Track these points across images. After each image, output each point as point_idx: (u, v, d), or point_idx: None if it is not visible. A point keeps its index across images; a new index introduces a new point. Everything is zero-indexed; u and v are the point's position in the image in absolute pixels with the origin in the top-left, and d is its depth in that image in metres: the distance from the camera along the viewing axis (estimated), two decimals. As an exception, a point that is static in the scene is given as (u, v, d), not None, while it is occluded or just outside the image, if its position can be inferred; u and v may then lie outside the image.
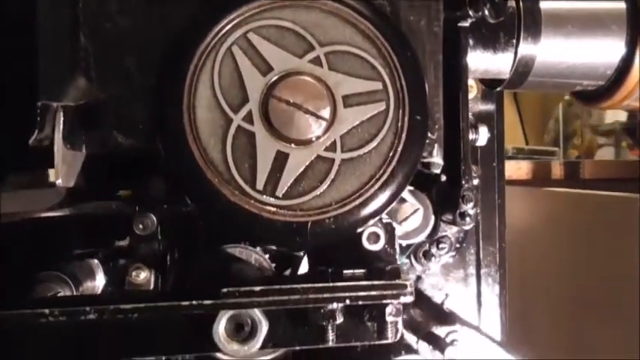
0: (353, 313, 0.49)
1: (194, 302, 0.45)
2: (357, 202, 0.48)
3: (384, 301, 0.47)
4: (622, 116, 2.80)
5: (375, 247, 0.50)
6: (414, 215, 0.66)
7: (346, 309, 0.48)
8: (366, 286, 0.46)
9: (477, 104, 0.81)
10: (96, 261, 0.69)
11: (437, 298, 0.80)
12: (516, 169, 1.35)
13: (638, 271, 0.97)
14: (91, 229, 0.66)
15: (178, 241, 0.71)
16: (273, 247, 0.50)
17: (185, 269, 0.67)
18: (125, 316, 0.44)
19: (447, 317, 0.69)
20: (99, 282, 0.70)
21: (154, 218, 0.62)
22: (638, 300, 0.96)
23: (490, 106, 0.83)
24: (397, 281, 0.47)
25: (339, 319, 0.48)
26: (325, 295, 0.46)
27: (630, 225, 0.99)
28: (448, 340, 0.65)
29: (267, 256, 0.60)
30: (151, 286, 0.72)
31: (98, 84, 0.50)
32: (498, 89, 0.72)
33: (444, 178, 0.65)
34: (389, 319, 0.48)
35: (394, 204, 0.50)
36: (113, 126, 0.51)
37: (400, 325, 0.50)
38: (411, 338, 0.72)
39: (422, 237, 0.66)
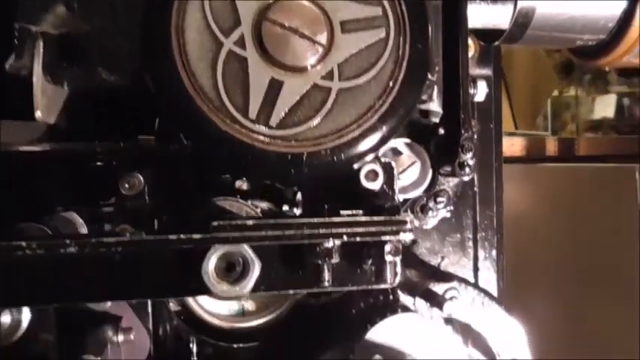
0: (350, 254, 0.46)
1: (182, 236, 0.42)
2: (355, 133, 0.45)
3: (383, 238, 0.44)
4: (610, 112, 2.80)
5: (373, 186, 0.47)
6: (411, 168, 0.63)
7: (343, 249, 0.46)
8: (364, 222, 0.44)
9: (474, 67, 0.79)
10: (80, 220, 0.66)
11: (433, 262, 0.78)
12: (510, 145, 1.32)
13: (637, 241, 0.95)
14: (75, 185, 0.63)
15: (167, 202, 0.69)
16: (267, 182, 0.47)
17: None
18: (108, 250, 0.41)
19: (444, 276, 0.67)
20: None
21: (141, 177, 0.59)
22: (637, 269, 0.95)
23: (487, 71, 0.81)
24: (397, 217, 0.44)
25: (336, 259, 0.45)
26: (322, 231, 0.43)
27: (629, 195, 0.98)
28: (447, 296, 0.63)
29: (259, 210, 0.58)
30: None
31: (80, 14, 0.47)
32: (497, 43, 0.70)
33: (442, 131, 0.63)
34: (388, 258, 0.45)
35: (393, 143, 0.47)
36: (97, 61, 0.48)
37: (399, 268, 0.48)
38: (407, 300, 0.69)
39: (419, 191, 0.64)
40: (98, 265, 0.43)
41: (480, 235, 0.80)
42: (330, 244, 0.44)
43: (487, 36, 0.72)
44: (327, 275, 0.45)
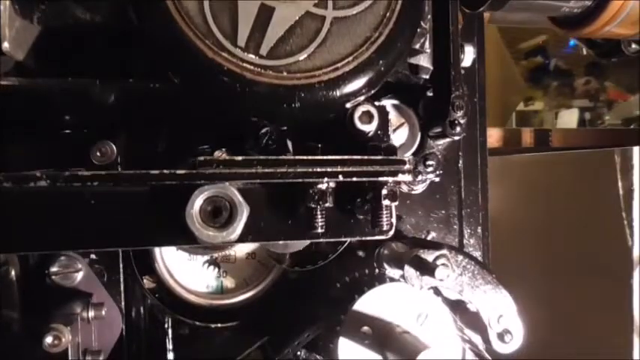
0: (344, 199, 0.44)
1: (165, 171, 0.38)
2: (350, 66, 0.43)
3: (381, 179, 0.41)
4: (572, 125, 2.85)
5: (368, 128, 0.45)
6: (399, 130, 0.61)
7: (337, 193, 0.43)
8: (361, 160, 0.41)
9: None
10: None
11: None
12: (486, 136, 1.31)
13: (618, 227, 0.95)
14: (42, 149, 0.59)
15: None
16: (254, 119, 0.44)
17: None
18: (83, 186, 0.38)
19: (433, 244, 0.64)
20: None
21: (113, 146, 0.55)
22: (620, 255, 0.94)
23: (471, 42, 0.79)
24: (395, 157, 0.42)
25: (329, 203, 0.42)
26: (316, 169, 0.40)
27: (608, 180, 0.98)
28: (438, 263, 0.60)
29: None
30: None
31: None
32: (480, 10, 0.69)
33: (430, 92, 0.61)
34: (385, 202, 0.42)
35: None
36: (70, -4, 0.45)
37: (394, 218, 0.45)
38: (395, 273, 0.67)
39: (408, 154, 0.62)
40: (70, 207, 0.39)
41: (465, 211, 0.78)
42: (324, 185, 0.41)
43: (471, 2, 0.70)
44: (319, 221, 0.42)
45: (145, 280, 0.69)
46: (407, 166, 0.42)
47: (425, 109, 0.60)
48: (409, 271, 0.61)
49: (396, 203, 0.43)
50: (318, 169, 0.40)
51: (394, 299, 0.61)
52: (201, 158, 0.39)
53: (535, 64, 2.66)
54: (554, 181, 1.11)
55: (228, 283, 0.71)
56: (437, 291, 0.65)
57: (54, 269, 0.63)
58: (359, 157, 0.41)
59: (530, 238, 1.14)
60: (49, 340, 0.52)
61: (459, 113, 0.57)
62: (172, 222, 0.41)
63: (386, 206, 0.42)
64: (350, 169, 0.41)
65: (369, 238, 0.45)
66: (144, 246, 0.43)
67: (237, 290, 0.71)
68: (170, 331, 0.70)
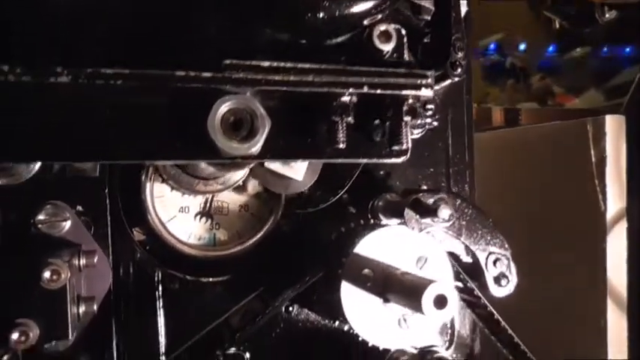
0: (363, 119, 0.43)
1: (191, 73, 0.37)
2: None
3: (405, 93, 0.41)
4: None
5: (386, 47, 0.45)
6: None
7: (357, 114, 0.42)
8: (385, 72, 0.41)
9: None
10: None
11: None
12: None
13: (595, 191, 0.98)
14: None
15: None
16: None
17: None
18: (106, 84, 0.36)
19: (428, 191, 0.65)
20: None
21: None
22: (594, 225, 0.97)
23: None
24: (417, 71, 0.42)
25: (351, 118, 0.42)
26: (342, 79, 0.40)
27: (581, 147, 1.01)
28: (438, 204, 0.61)
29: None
30: (97, 172, 0.63)
31: None
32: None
33: (429, 37, 0.62)
34: (406, 118, 0.42)
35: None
36: None
37: (410, 142, 0.45)
38: (391, 222, 0.67)
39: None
40: (90, 111, 0.37)
41: (453, 169, 0.79)
42: (347, 98, 0.41)
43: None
44: (341, 136, 0.42)
45: (134, 233, 0.67)
46: (429, 80, 0.42)
47: (424, 53, 0.61)
48: (409, 214, 0.62)
49: (417, 121, 0.42)
50: (344, 79, 0.40)
51: (394, 243, 0.61)
52: (228, 61, 0.38)
53: (491, 62, 2.72)
54: (528, 153, 1.13)
55: (221, 235, 0.69)
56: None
57: (41, 217, 0.60)
58: (383, 69, 0.41)
59: (507, 207, 1.16)
60: (47, 274, 0.49)
61: (460, 54, 0.57)
62: (193, 135, 0.40)
63: (405, 122, 0.42)
64: (375, 80, 0.41)
65: (385, 160, 0.45)
66: (164, 159, 0.42)
67: (230, 243, 0.69)
68: (160, 286, 0.68)
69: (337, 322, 0.72)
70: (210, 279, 0.69)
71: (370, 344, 0.73)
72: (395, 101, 0.42)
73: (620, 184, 0.98)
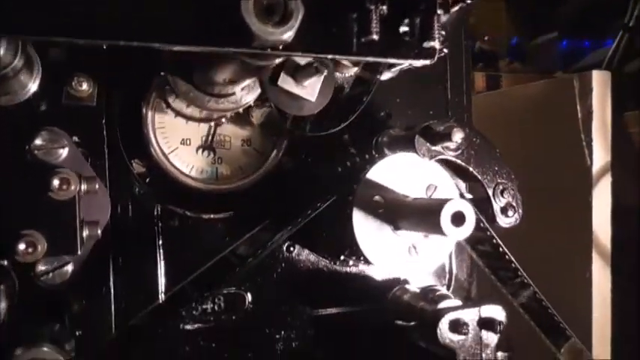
0: (398, 8, 0.42)
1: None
2: None
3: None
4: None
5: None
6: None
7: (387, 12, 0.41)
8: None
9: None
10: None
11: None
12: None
13: (582, 146, 0.99)
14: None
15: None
16: None
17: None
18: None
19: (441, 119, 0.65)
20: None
21: None
22: (583, 182, 0.98)
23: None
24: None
25: (385, 7, 0.41)
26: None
27: (568, 103, 1.02)
28: (449, 130, 0.60)
29: None
30: (94, 101, 0.61)
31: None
32: None
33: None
34: (439, 11, 0.42)
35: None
36: None
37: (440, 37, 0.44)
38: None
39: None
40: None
41: (452, 111, 0.79)
42: (380, -15, 0.40)
43: None
44: (375, 26, 0.41)
45: (134, 165, 0.65)
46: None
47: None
48: (420, 141, 0.61)
49: (447, 16, 0.42)
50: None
51: (404, 171, 0.61)
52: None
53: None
54: (515, 113, 1.14)
55: (223, 169, 0.67)
56: (444, 161, 0.64)
57: (38, 142, 0.57)
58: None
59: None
60: (56, 182, 0.46)
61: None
62: (227, 21, 0.38)
63: (438, 16, 0.42)
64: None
65: (415, 61, 0.44)
66: (196, 45, 0.40)
67: (233, 177, 0.67)
68: (159, 222, 0.66)
69: (338, 262, 0.71)
70: (212, 215, 0.67)
71: (372, 283, 0.73)
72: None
73: (606, 139, 1.00)
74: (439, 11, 0.42)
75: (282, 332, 0.70)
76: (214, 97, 0.53)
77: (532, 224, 0.93)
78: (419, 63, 0.45)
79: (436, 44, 0.43)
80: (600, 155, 1.00)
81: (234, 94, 0.55)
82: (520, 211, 0.65)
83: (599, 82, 1.00)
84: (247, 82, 0.54)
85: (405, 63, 0.45)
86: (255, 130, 0.68)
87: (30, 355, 0.48)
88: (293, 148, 0.69)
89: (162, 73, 0.53)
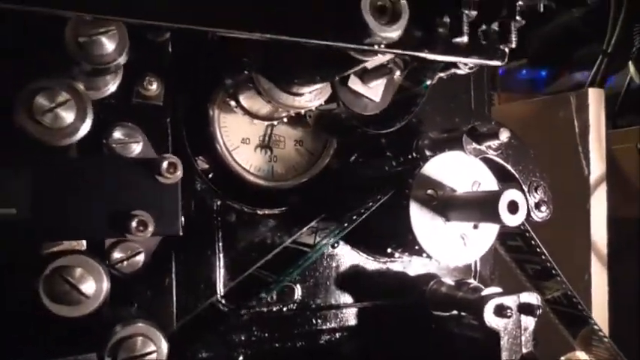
0: (485, 14, 0.49)
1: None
2: None
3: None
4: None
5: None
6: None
7: (479, 6, 0.48)
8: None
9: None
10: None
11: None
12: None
13: (579, 158, 1.08)
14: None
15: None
16: None
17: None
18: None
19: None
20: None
21: None
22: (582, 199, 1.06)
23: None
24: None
25: (475, 12, 0.47)
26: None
27: (565, 118, 1.11)
28: (494, 131, 0.67)
29: None
30: (161, 100, 0.64)
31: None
32: None
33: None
34: (517, 18, 0.48)
35: None
36: None
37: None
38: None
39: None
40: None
41: (475, 119, 0.85)
42: (472, -7, 0.46)
43: None
44: (466, 29, 0.47)
45: (198, 162, 0.68)
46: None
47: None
48: (467, 140, 0.67)
49: (523, 23, 0.48)
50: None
51: (452, 168, 0.66)
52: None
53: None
54: (518, 124, 1.21)
55: (279, 168, 0.72)
56: (486, 159, 0.70)
57: (116, 136, 0.60)
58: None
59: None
60: (164, 165, 0.51)
61: None
62: (345, 18, 0.44)
63: (517, 22, 0.48)
64: (501, -22, 0.46)
65: (489, 62, 0.50)
66: (315, 39, 0.44)
67: (287, 175, 0.72)
68: (219, 217, 0.69)
69: (379, 258, 0.76)
70: (267, 211, 0.71)
71: (410, 277, 0.78)
72: (508, 3, 0.47)
73: (601, 150, 1.09)
74: (518, 17, 0.48)
75: (327, 323, 0.74)
76: (292, 95, 0.58)
77: (535, 229, 1.00)
78: (494, 63, 0.51)
79: (512, 46, 0.50)
80: (597, 165, 1.08)
81: (304, 94, 0.60)
82: (551, 206, 0.72)
83: (594, 99, 1.09)
84: (320, 85, 0.59)
85: (483, 63, 0.51)
86: (307, 132, 0.73)
87: (130, 331, 0.51)
88: (340, 149, 0.75)
89: (245, 72, 0.57)
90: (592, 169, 1.08)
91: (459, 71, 0.68)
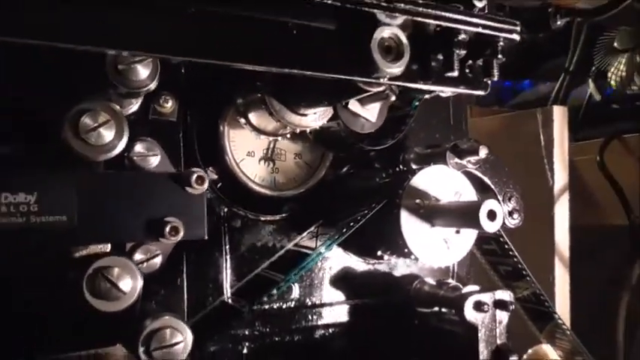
0: (472, 53, 0.57)
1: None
2: None
3: (503, 35, 0.56)
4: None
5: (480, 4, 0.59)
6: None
7: (467, 46, 0.56)
8: (492, 17, 0.55)
9: None
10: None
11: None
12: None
13: (544, 169, 1.18)
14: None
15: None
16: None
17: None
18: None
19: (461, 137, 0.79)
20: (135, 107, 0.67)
21: None
22: (543, 191, 1.16)
23: None
24: (511, 20, 0.57)
25: (463, 52, 0.56)
26: (463, 18, 0.54)
27: (532, 132, 1.21)
28: (476, 145, 0.75)
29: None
30: (175, 116, 0.71)
31: None
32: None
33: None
34: (499, 56, 0.57)
35: None
36: None
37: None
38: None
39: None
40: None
41: (454, 135, 0.94)
42: (463, 35, 0.55)
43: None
44: (456, 66, 0.55)
45: (208, 172, 0.75)
46: (518, 28, 0.57)
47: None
48: (450, 155, 0.76)
49: (503, 60, 0.57)
50: (464, 18, 0.54)
51: (437, 179, 0.75)
52: (396, -4, 0.51)
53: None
54: (488, 138, 1.31)
55: (280, 178, 0.79)
56: (467, 172, 0.79)
57: (137, 150, 0.67)
58: (489, 17, 0.55)
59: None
60: (194, 178, 0.57)
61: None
62: (356, 55, 0.52)
63: (498, 59, 0.57)
64: (487, 22, 0.55)
65: (475, 91, 0.59)
66: (327, 73, 0.52)
67: (287, 185, 0.79)
68: (226, 223, 0.76)
69: (368, 260, 0.85)
70: (269, 217, 0.78)
71: (396, 278, 0.87)
72: (493, 41, 0.56)
73: (564, 162, 1.20)
74: (499, 56, 0.57)
75: (322, 319, 0.82)
76: (299, 115, 0.66)
77: (507, 234, 1.10)
78: (477, 93, 0.59)
79: (494, 79, 0.58)
80: (560, 176, 1.19)
81: (310, 114, 0.68)
82: (522, 214, 0.81)
83: (559, 115, 1.20)
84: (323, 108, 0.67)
85: (468, 92, 0.59)
86: (305, 146, 0.81)
87: (160, 324, 0.57)
88: (334, 163, 0.83)
89: (259, 95, 0.65)
90: (556, 179, 1.19)
91: (442, 94, 0.77)
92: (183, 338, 0.58)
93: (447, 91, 0.58)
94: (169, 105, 0.71)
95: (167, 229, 0.56)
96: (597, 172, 1.32)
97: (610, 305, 1.31)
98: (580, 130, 1.47)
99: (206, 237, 0.60)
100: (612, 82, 1.43)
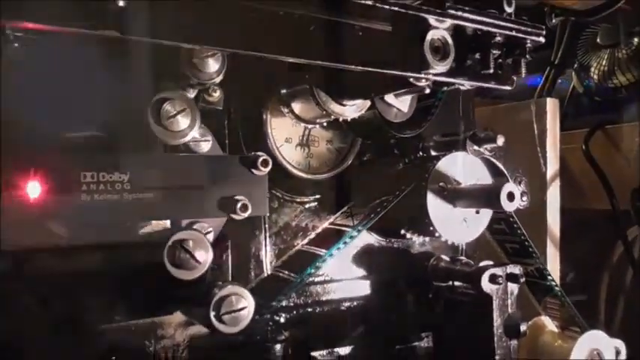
0: (505, 52, 0.65)
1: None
2: None
3: (529, 37, 0.65)
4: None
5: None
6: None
7: (501, 47, 0.65)
8: (521, 22, 0.64)
9: None
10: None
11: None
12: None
13: (538, 157, 1.27)
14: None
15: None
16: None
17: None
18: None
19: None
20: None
21: None
22: (536, 178, 1.25)
23: None
24: (537, 24, 0.65)
25: (498, 51, 0.64)
26: (500, 22, 0.62)
27: (526, 122, 1.30)
28: (493, 134, 0.84)
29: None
30: (222, 105, 0.77)
31: None
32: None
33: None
34: (528, 56, 0.66)
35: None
36: None
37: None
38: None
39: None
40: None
41: (464, 127, 1.03)
42: (499, 37, 0.63)
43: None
44: (492, 65, 0.64)
45: (251, 157, 0.82)
46: (544, 31, 0.65)
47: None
48: (469, 143, 0.84)
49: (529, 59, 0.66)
50: (501, 23, 0.62)
51: (458, 165, 0.83)
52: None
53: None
54: (488, 127, 1.40)
55: (314, 163, 0.87)
56: (485, 159, 0.87)
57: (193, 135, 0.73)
58: (518, 21, 0.64)
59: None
60: (260, 162, 0.64)
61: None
62: (409, 55, 0.60)
63: (526, 58, 0.65)
64: (519, 26, 0.63)
65: (503, 87, 0.67)
66: (384, 69, 0.59)
67: (320, 169, 0.87)
68: (265, 204, 0.83)
69: (390, 241, 0.93)
70: (304, 198, 0.86)
71: (414, 256, 0.95)
72: (522, 43, 0.65)
73: (556, 151, 1.29)
74: (527, 56, 0.65)
75: (349, 292, 0.90)
76: (342, 106, 0.73)
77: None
78: (505, 88, 0.68)
79: (522, 76, 0.67)
80: (552, 163, 1.29)
81: (353, 105, 0.75)
82: (529, 197, 0.90)
83: (551, 106, 1.29)
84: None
85: (499, 87, 0.67)
86: (336, 134, 0.89)
87: (227, 291, 0.64)
88: (361, 149, 0.91)
89: (306, 86, 0.72)
90: (548, 167, 1.28)
91: (461, 87, 0.85)
92: (247, 304, 0.65)
93: (477, 86, 0.65)
94: (217, 94, 0.77)
95: (238, 206, 0.63)
96: (583, 160, 1.42)
97: (593, 283, 1.42)
98: (564, 120, 1.56)
99: (267, 213, 0.67)
100: (595, 77, 1.53)
